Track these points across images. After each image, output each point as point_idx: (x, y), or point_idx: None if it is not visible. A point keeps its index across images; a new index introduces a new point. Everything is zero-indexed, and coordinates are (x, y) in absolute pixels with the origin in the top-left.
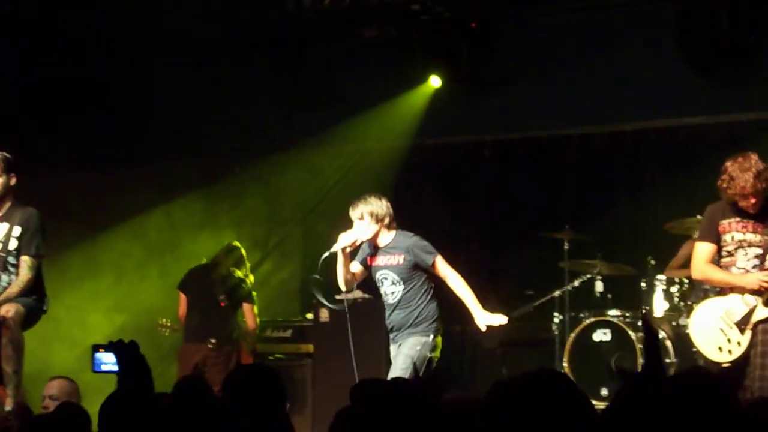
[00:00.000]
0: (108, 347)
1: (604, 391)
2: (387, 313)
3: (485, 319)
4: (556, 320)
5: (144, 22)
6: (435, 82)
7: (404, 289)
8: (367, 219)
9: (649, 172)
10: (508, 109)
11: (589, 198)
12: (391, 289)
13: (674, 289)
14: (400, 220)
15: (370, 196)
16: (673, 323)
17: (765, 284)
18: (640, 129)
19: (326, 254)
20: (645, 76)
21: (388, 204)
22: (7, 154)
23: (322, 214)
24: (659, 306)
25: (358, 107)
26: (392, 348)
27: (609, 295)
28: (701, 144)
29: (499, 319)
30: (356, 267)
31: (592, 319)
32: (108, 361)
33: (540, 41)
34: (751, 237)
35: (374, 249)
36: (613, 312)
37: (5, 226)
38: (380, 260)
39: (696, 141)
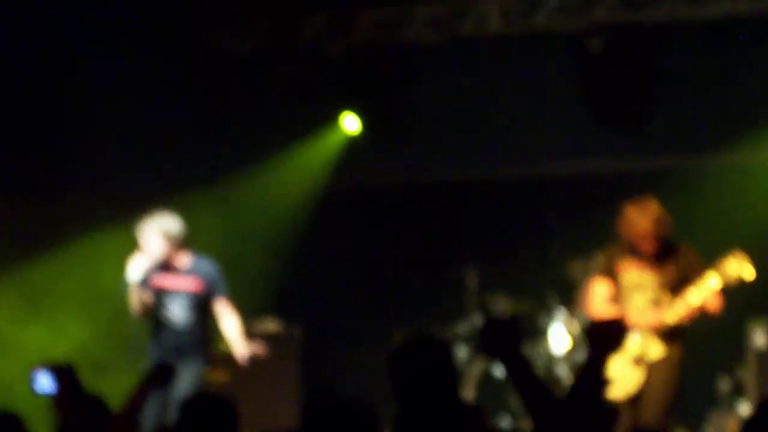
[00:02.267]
0: (46, 369)
1: (505, 423)
2: (165, 334)
3: (245, 350)
4: (459, 355)
5: (68, 54)
6: (348, 125)
7: (196, 315)
8: (159, 238)
9: (553, 213)
10: (419, 152)
11: (495, 237)
12: (182, 314)
13: (574, 326)
14: (313, 261)
15: (160, 214)
16: (574, 360)
17: (658, 323)
18: (544, 173)
19: (125, 288)
20: (550, 124)
21: (182, 223)
22: None
23: (234, 255)
24: (560, 343)
25: (269, 149)
26: None
27: None
28: (603, 188)
29: (258, 349)
30: (145, 293)
31: None
32: (46, 382)
33: (451, 88)
34: (647, 278)
35: (162, 269)
36: None
37: None
38: (172, 282)
39: (597, 185)
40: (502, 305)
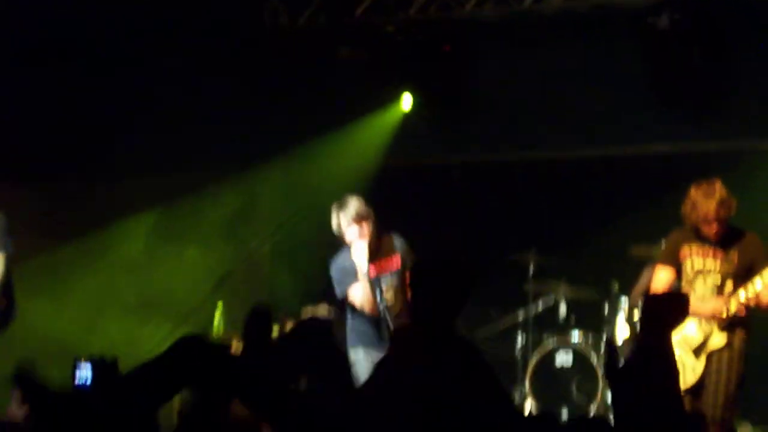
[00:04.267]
0: (88, 361)
1: (564, 414)
2: (387, 322)
3: None
4: (518, 343)
5: (113, 36)
6: (406, 103)
7: (404, 293)
8: (360, 223)
9: (616, 198)
10: (478, 132)
11: (556, 222)
12: (391, 294)
13: (637, 314)
14: None
15: (352, 197)
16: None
17: (721, 312)
18: (607, 155)
19: (378, 287)
20: (614, 104)
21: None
22: None
23: (291, 232)
24: (622, 331)
25: (329, 126)
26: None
27: (572, 319)
28: (668, 172)
29: None
30: (372, 286)
31: (555, 342)
32: (87, 374)
33: (511, 67)
34: (710, 264)
35: (369, 256)
36: (575, 335)
37: None
38: (380, 265)
39: (663, 169)
40: (564, 293)
